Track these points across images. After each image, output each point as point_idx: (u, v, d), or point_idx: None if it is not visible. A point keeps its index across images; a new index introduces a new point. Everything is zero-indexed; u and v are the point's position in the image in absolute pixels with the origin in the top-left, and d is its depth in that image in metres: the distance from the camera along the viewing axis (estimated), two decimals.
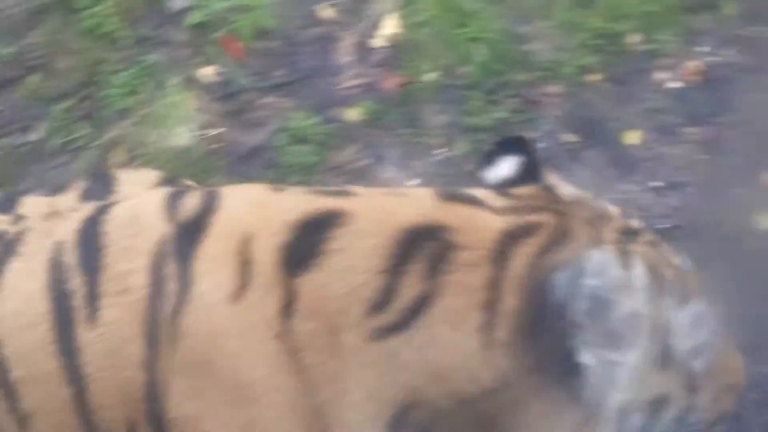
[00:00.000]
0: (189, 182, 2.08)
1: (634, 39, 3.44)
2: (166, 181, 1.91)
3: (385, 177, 3.26)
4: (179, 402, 1.51)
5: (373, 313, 1.51)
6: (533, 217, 1.58)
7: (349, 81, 3.56)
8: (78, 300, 1.56)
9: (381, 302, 1.52)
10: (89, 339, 1.55)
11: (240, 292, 1.51)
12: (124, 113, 3.48)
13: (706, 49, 3.39)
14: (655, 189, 3.15)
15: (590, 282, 1.44)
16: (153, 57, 3.58)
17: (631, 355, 1.51)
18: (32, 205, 1.82)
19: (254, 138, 3.46)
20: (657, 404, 1.59)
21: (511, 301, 1.51)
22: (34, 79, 3.57)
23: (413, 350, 1.51)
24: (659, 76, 3.39)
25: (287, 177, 3.23)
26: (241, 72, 3.58)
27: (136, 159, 3.34)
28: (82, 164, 3.37)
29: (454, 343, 1.52)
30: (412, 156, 3.32)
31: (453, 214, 1.57)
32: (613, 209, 1.68)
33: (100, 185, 1.89)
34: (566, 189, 1.69)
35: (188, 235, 1.57)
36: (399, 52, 3.58)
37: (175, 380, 1.51)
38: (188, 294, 1.52)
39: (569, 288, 1.45)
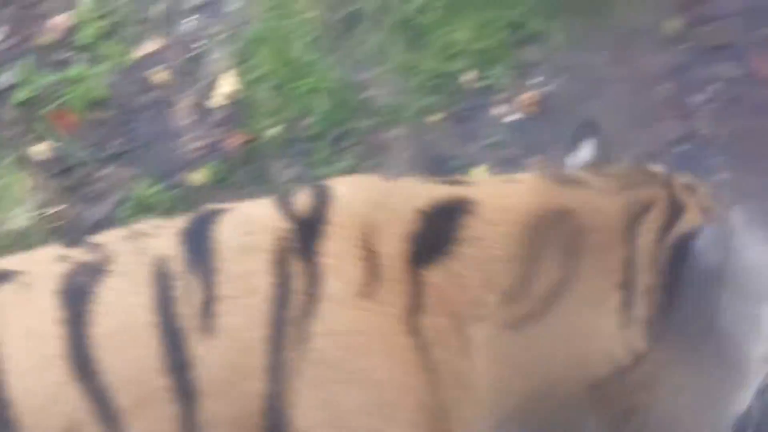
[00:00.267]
0: None
1: (469, 76, 3.58)
2: None
3: None
4: (307, 411, 1.44)
5: (508, 303, 1.51)
6: (644, 193, 1.62)
7: (190, 144, 3.59)
8: (189, 308, 1.48)
9: (517, 291, 1.52)
10: (204, 350, 1.46)
11: (369, 288, 1.47)
12: None
13: (539, 79, 3.55)
14: None
15: (731, 243, 1.52)
16: None
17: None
18: (103, 235, 1.74)
19: (97, 211, 3.44)
20: None
21: (646, 277, 1.55)
22: None
23: (552, 338, 1.52)
24: (497, 110, 3.53)
25: None
26: (77, 145, 3.57)
27: None
28: None
29: (595, 326, 1.54)
30: None
31: (573, 198, 1.59)
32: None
33: None
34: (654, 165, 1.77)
35: (309, 230, 1.52)
36: (239, 110, 3.64)
37: (303, 387, 1.45)
38: (317, 293, 1.47)
39: (713, 252, 1.51)
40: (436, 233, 1.52)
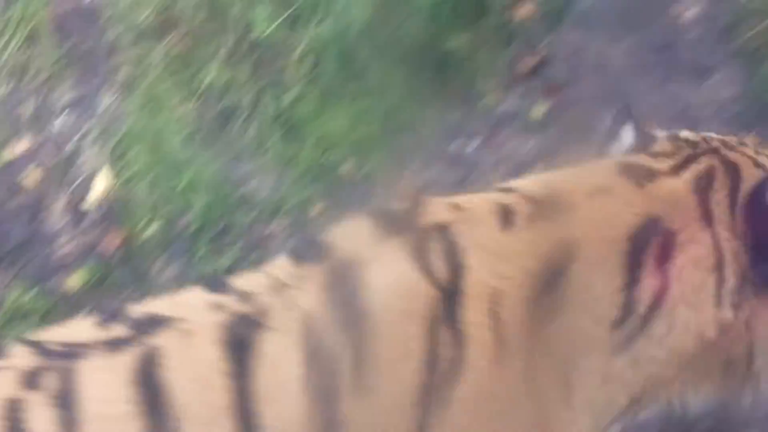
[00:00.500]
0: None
1: (348, 166, 3.72)
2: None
3: None
4: None
5: (614, 330, 1.64)
6: (699, 166, 1.76)
7: (65, 246, 3.60)
8: (343, 367, 1.56)
9: (622, 318, 1.64)
10: (355, 410, 1.54)
11: (500, 355, 1.58)
12: None
13: (416, 168, 3.72)
14: None
15: None
16: None
17: None
18: (248, 280, 1.79)
19: None
20: None
21: (731, 247, 1.68)
22: None
23: (655, 344, 1.66)
24: (377, 201, 3.67)
25: None
26: None
27: None
28: None
29: (693, 319, 1.67)
30: None
31: (653, 199, 1.70)
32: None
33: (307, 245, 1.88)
34: (684, 132, 1.89)
35: (451, 298, 1.61)
36: (115, 209, 3.67)
37: None
38: (458, 360, 1.57)
39: None
40: (548, 293, 1.63)
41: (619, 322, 1.66)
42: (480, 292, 1.63)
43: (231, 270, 3.40)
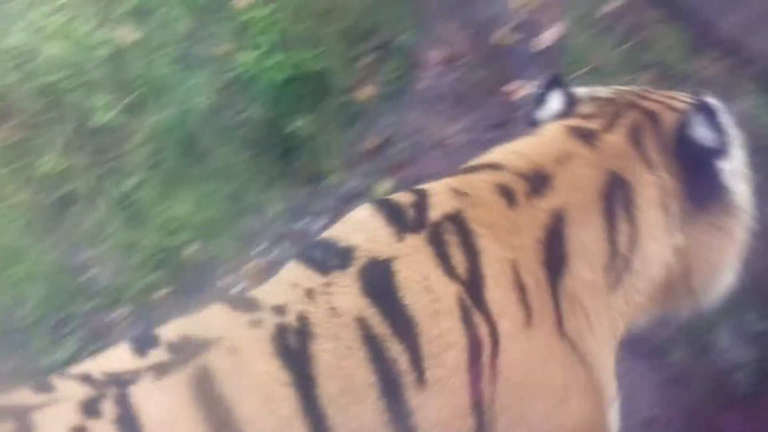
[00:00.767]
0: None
1: (192, 249, 3.78)
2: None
3: None
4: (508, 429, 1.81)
5: (607, 273, 1.96)
6: (625, 120, 2.07)
7: None
8: (401, 366, 1.76)
9: (611, 261, 1.97)
10: (420, 400, 1.75)
11: (529, 318, 1.86)
12: None
13: (262, 248, 3.82)
14: None
15: (719, 117, 2.05)
16: None
17: (744, 162, 2.13)
18: (269, 294, 1.90)
19: None
20: None
21: (671, 185, 2.02)
22: None
23: (636, 277, 2.00)
24: (223, 282, 3.74)
25: None
26: None
27: None
28: None
29: (659, 248, 2.02)
30: None
31: (605, 156, 2.01)
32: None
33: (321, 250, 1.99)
34: (600, 89, 2.21)
35: (474, 285, 1.84)
36: None
37: (500, 413, 1.81)
38: (495, 335, 1.82)
39: (707, 130, 2.04)
40: (557, 251, 1.93)
41: (609, 266, 1.98)
42: (498, 270, 1.89)
43: (70, 362, 3.38)
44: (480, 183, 2.01)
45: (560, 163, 2.03)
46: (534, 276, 1.92)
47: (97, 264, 3.70)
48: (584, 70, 3.54)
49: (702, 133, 2.06)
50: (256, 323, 1.84)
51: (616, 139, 2.07)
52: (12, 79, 4.16)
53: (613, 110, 2.12)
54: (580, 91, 2.23)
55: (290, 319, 1.84)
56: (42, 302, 3.55)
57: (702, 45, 3.42)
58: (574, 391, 1.90)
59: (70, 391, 1.76)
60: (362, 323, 1.82)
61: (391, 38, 4.16)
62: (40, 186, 3.84)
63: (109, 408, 1.72)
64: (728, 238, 2.13)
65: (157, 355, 1.81)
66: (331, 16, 4.20)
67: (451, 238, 1.92)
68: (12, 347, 3.47)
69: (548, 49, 3.80)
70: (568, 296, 1.93)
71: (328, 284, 1.89)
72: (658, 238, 2.04)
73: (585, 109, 2.16)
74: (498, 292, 1.87)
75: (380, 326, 1.82)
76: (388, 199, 2.05)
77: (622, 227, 2.00)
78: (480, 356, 1.83)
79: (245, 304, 1.91)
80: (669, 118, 2.10)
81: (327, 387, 1.76)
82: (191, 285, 3.72)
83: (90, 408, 1.72)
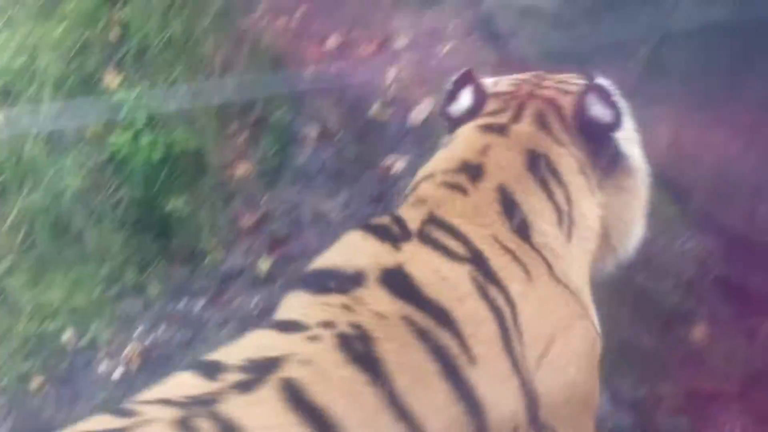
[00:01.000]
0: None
1: (69, 335, 3.77)
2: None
3: None
4: (542, 375, 2.08)
5: (560, 227, 2.27)
6: (529, 110, 2.36)
7: None
8: (453, 351, 1.98)
9: (560, 217, 2.28)
10: (475, 374, 1.98)
11: (530, 275, 2.14)
12: None
13: (141, 330, 3.84)
14: None
15: (611, 94, 2.34)
16: None
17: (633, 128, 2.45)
18: (307, 315, 2.02)
19: None
20: None
21: (581, 155, 2.32)
22: None
23: (581, 228, 2.30)
24: (103, 367, 3.74)
25: None
26: None
27: None
28: None
29: (589, 204, 2.32)
30: None
31: (519, 140, 2.30)
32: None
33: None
34: (502, 81, 2.49)
35: (478, 262, 2.10)
36: None
37: (533, 364, 2.07)
38: (511, 299, 2.08)
39: (601, 104, 2.34)
40: (516, 218, 2.22)
41: (559, 221, 2.29)
42: (489, 244, 2.17)
43: None
44: (430, 190, 2.29)
45: (483, 153, 2.31)
46: (513, 241, 2.20)
47: None
48: None
49: (597, 110, 2.37)
50: (314, 338, 1.97)
51: (525, 128, 2.36)
52: None
53: (516, 103, 2.40)
54: (487, 82, 2.49)
55: (344, 329, 1.98)
56: None
57: None
58: (576, 319, 2.23)
59: (155, 412, 1.74)
60: (408, 321, 2.01)
61: (265, 115, 4.28)
62: None
63: (205, 425, 1.72)
64: (633, 196, 2.46)
65: (231, 376, 1.85)
66: (204, 95, 4.30)
67: (439, 234, 2.17)
68: None
69: (424, 122, 3.99)
70: (544, 249, 2.23)
71: (356, 299, 2.05)
72: (586, 196, 2.35)
73: (491, 106, 2.43)
74: (498, 262, 2.15)
75: (423, 321, 2.02)
76: (370, 224, 2.23)
77: (556, 190, 2.29)
78: (506, 322, 2.08)
79: (291, 326, 2.02)
80: (566, 102, 2.40)
81: (399, 381, 1.94)
82: (69, 372, 3.70)
83: (186, 425, 1.71)
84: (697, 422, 3.11)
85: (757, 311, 3.31)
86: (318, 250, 3.60)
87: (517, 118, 2.39)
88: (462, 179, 2.29)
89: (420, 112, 4.06)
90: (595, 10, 3.72)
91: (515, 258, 2.19)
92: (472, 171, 2.29)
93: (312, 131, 4.24)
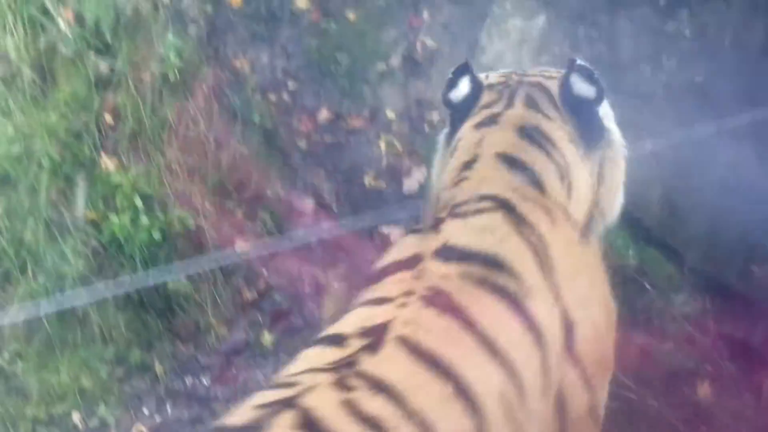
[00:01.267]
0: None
1: (77, 417, 3.88)
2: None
3: None
4: (580, 322, 2.32)
5: (563, 183, 2.52)
6: (520, 96, 2.65)
7: None
8: (512, 287, 2.25)
9: (561, 175, 2.52)
10: (534, 305, 2.24)
11: (554, 221, 2.43)
12: None
13: (148, 410, 3.95)
14: None
15: (593, 72, 2.59)
16: None
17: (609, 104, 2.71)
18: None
19: None
20: None
21: (570, 129, 2.58)
22: None
23: (579, 190, 2.54)
24: None
25: None
26: None
27: None
28: None
29: (583, 173, 2.57)
30: None
31: (513, 121, 2.59)
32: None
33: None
34: (492, 74, 2.79)
35: (508, 207, 2.40)
36: None
37: (576, 316, 2.33)
38: (542, 236, 2.36)
39: (584, 82, 2.60)
40: (526, 170, 2.51)
41: (562, 178, 2.53)
42: (512, 193, 2.44)
43: None
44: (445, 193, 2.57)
45: (478, 145, 2.60)
46: (530, 192, 2.48)
47: None
48: None
49: (581, 87, 2.63)
50: (403, 305, 2.23)
51: (516, 111, 2.63)
52: None
53: (509, 91, 2.69)
54: (482, 76, 2.79)
55: (423, 293, 2.26)
56: None
57: None
58: (596, 268, 2.52)
59: (312, 380, 2.03)
60: (466, 275, 2.29)
61: (261, 191, 4.44)
62: None
63: (357, 382, 2.03)
64: (615, 165, 2.71)
65: (355, 342, 2.15)
66: (200, 174, 4.46)
67: (465, 207, 2.46)
68: None
69: (420, 189, 4.16)
70: (557, 204, 2.49)
71: (421, 271, 2.31)
72: (578, 163, 2.59)
73: (486, 98, 2.71)
74: (524, 208, 2.42)
75: (479, 272, 2.29)
76: (414, 228, 2.56)
77: (553, 153, 2.55)
78: (542, 258, 2.35)
79: (382, 300, 2.29)
80: (551, 84, 2.69)
81: (483, 322, 2.22)
82: None
83: (343, 385, 2.02)
84: None
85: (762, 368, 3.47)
86: (320, 321, 3.74)
87: (510, 104, 2.67)
88: (464, 171, 2.56)
89: (414, 180, 4.23)
90: None
91: (538, 204, 2.45)
92: (469, 163, 2.57)
93: (308, 203, 4.38)
